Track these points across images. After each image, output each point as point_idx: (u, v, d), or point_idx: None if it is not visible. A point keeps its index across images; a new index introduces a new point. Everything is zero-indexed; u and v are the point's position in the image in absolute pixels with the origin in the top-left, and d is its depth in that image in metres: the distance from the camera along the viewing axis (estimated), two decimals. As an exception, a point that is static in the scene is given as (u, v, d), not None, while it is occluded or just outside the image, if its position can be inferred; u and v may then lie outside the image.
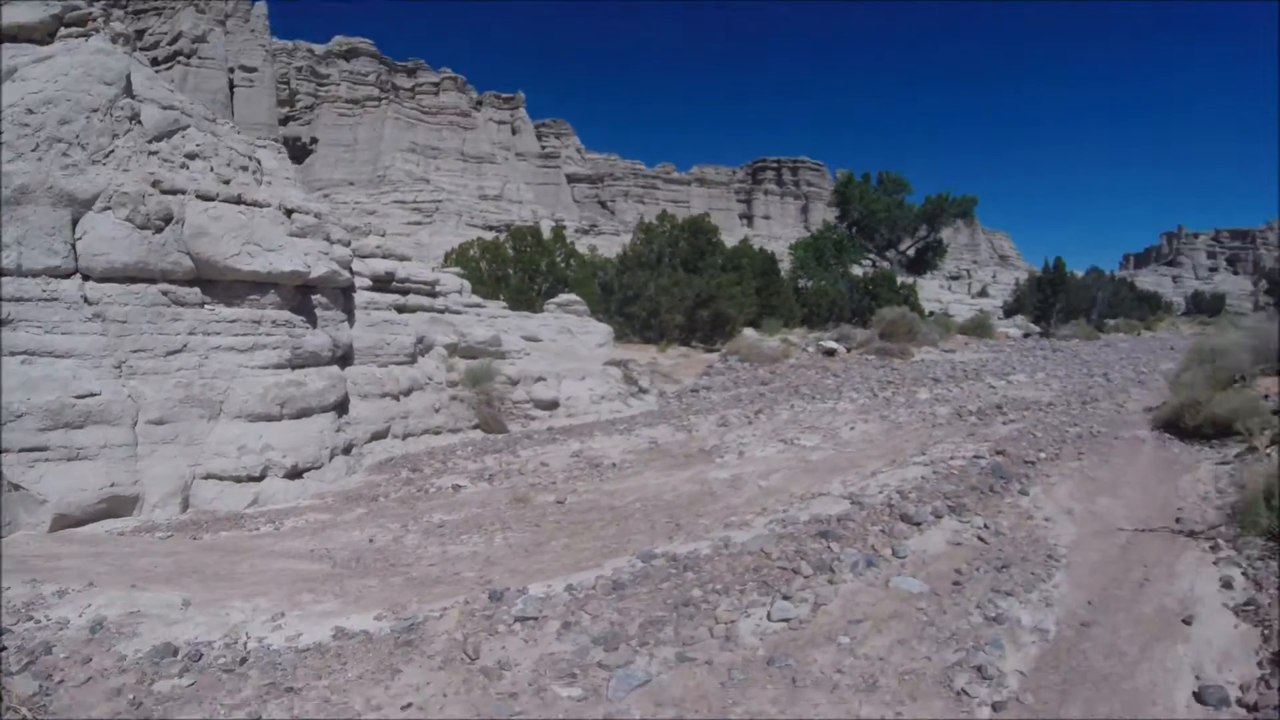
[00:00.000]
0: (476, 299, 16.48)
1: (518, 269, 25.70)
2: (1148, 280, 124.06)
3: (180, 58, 66.85)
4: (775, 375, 17.08)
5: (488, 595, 4.99)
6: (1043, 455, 8.23)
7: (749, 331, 26.01)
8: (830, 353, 21.59)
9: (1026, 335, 36.59)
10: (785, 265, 38.13)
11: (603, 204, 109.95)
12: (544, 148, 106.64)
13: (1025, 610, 4.67)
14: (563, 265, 26.39)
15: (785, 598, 4.80)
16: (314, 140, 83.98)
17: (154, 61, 56.52)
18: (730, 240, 38.14)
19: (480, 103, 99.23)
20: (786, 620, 4.53)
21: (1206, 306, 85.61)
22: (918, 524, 6.08)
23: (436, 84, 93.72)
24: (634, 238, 28.12)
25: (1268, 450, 8.09)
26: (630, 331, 23.25)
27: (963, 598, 4.80)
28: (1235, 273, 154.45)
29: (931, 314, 45.67)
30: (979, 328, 33.42)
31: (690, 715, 3.66)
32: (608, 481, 8.64)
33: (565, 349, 16.39)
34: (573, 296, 22.13)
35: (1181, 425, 9.73)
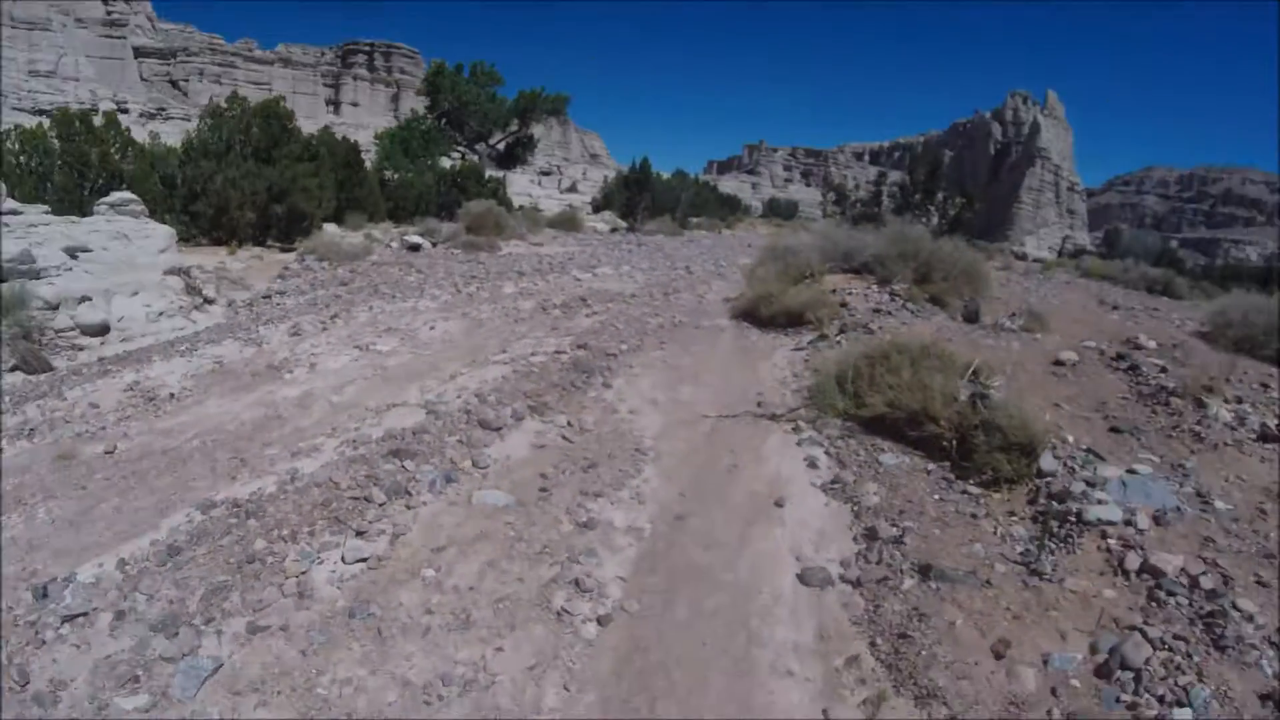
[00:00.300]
0: (12, 204, 13.46)
1: (64, 163, 21.50)
2: (729, 185, 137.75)
3: None
4: (356, 274, 15.98)
5: (31, 593, 3.97)
6: (625, 347, 8.34)
7: (330, 228, 24.45)
8: (415, 248, 20.82)
9: (614, 230, 38.44)
10: (372, 156, 36.56)
11: (174, 84, 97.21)
12: (109, 14, 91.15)
13: (618, 510, 4.52)
14: (118, 157, 22.53)
15: (359, 534, 4.32)
16: None
17: None
18: (315, 127, 35.40)
19: None
20: (363, 560, 4.09)
21: (781, 211, 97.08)
22: (498, 429, 5.75)
23: None
24: (200, 123, 25.08)
25: (837, 338, 8.91)
26: (199, 232, 20.74)
27: (551, 506, 4.55)
28: (808, 185, 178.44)
29: (521, 208, 46.48)
30: (567, 222, 34.37)
31: (275, 699, 3.21)
32: (164, 417, 7.25)
33: (122, 259, 14.04)
34: (128, 195, 18.93)
35: (758, 315, 10.48)
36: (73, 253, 12.85)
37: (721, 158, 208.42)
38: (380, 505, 4.60)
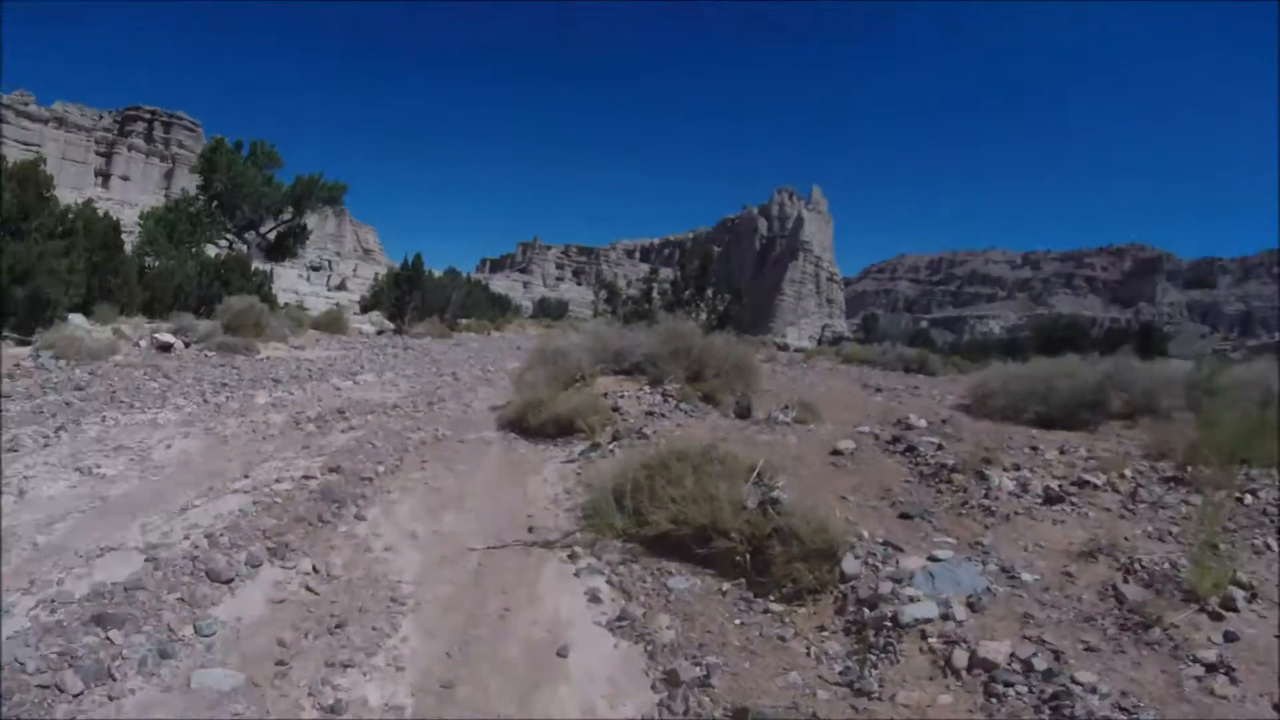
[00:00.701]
0: None
1: None
2: (501, 284, 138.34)
3: None
4: (95, 378, 14.14)
5: None
6: (382, 468, 7.56)
7: (77, 319, 22.00)
8: (166, 348, 18.93)
9: (381, 332, 37.11)
10: (135, 238, 33.13)
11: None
12: None
13: (371, 684, 3.80)
14: None
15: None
16: None
17: None
18: (80, 199, 31.64)
19: None
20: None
21: (552, 311, 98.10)
22: (229, 581, 4.83)
23: None
24: None
25: (610, 446, 8.52)
26: None
27: (290, 685, 3.76)
28: (579, 283, 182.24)
29: (286, 305, 43.99)
30: (333, 323, 32.86)
31: None
32: None
33: None
34: None
35: (526, 425, 9.99)
36: None
37: (495, 255, 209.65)
38: (75, 697, 3.62)
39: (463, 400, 13.51)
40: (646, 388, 11.88)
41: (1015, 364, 16.00)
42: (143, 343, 19.12)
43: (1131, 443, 9.41)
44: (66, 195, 29.72)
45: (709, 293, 27.92)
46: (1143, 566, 4.88)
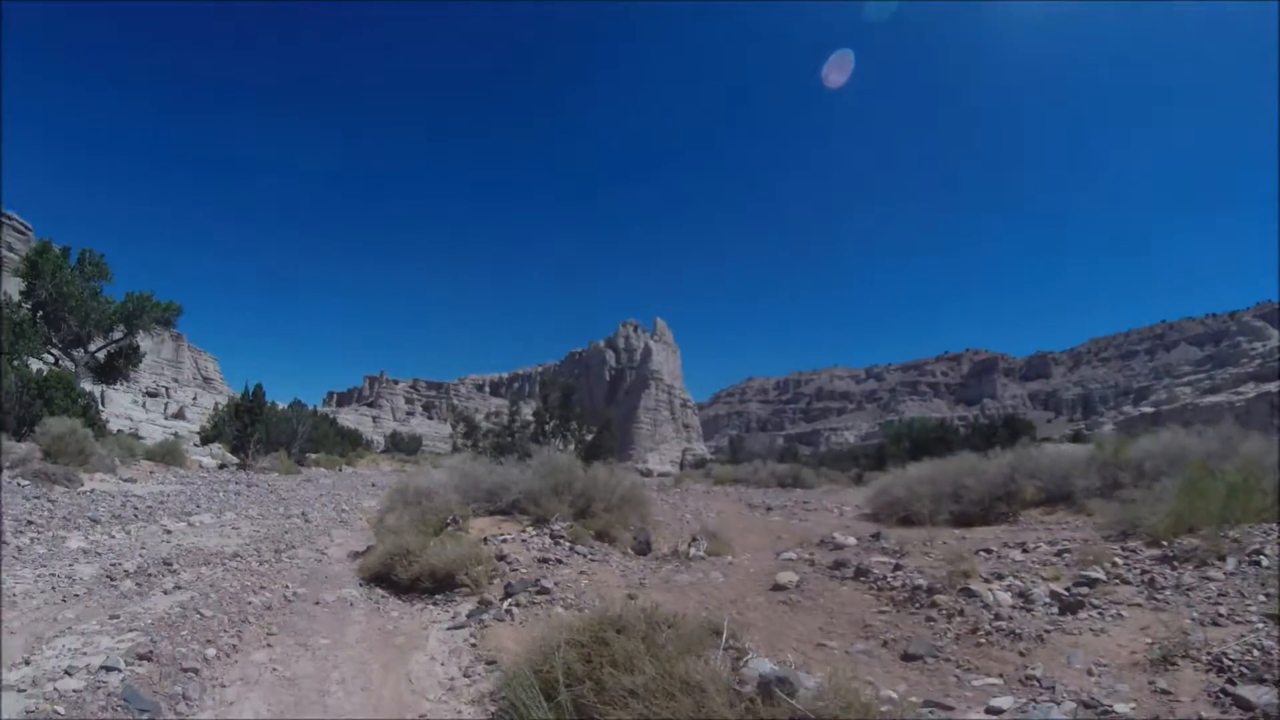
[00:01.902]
0: None
1: None
2: (350, 418, 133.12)
3: None
4: None
5: None
6: (213, 651, 5.68)
7: None
8: (-36, 473, 16.14)
9: (223, 466, 33.94)
10: None
11: None
12: None
13: None
14: None
15: None
16: None
17: None
18: None
19: None
20: None
21: (404, 446, 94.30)
22: None
23: None
24: None
25: (505, 606, 6.97)
26: None
27: None
28: (430, 417, 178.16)
29: (119, 432, 40.05)
30: (169, 454, 29.87)
31: None
32: None
33: None
34: None
35: (396, 579, 8.29)
36: None
37: (341, 389, 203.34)
38: None
39: (316, 545, 11.63)
40: (530, 529, 10.37)
41: (911, 468, 15.42)
42: (-62, 468, 16.29)
43: (1070, 528, 8.77)
44: None
45: (573, 424, 26.64)
46: (1231, 660, 4.10)
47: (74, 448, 19.83)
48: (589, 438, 25.47)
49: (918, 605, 6.24)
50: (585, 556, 8.84)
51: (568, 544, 9.43)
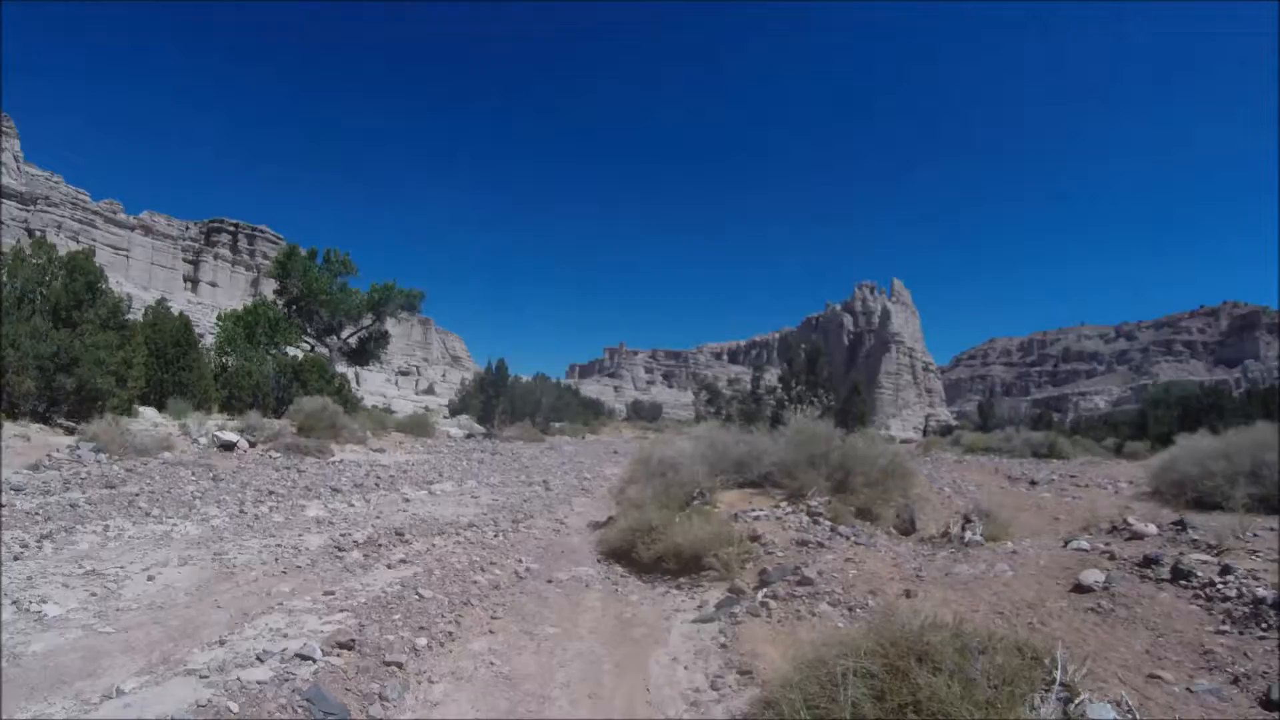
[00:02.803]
0: None
1: None
2: (592, 389, 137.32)
3: None
4: (133, 475, 12.30)
5: None
6: (425, 640, 4.98)
7: (148, 412, 20.88)
8: (228, 446, 17.15)
9: (469, 435, 35.20)
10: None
11: (30, 232, 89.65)
12: None
13: None
14: None
15: None
16: None
17: None
18: (172, 305, 31.51)
19: None
20: None
21: (645, 413, 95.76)
22: None
23: None
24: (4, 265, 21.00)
25: (760, 595, 5.92)
26: None
27: None
28: (670, 386, 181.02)
29: (374, 408, 42.80)
30: (418, 425, 31.12)
31: None
32: None
33: None
34: None
35: (637, 557, 7.45)
36: None
37: (583, 361, 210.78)
38: None
39: (555, 515, 11.14)
40: (784, 504, 9.25)
41: (1192, 440, 13.10)
42: (202, 440, 17.34)
43: None
44: (157, 298, 29.42)
45: (819, 389, 25.09)
46: None
47: (325, 422, 20.79)
48: (837, 404, 23.91)
49: (1265, 625, 4.61)
50: (849, 539, 7.62)
51: (828, 523, 8.25)
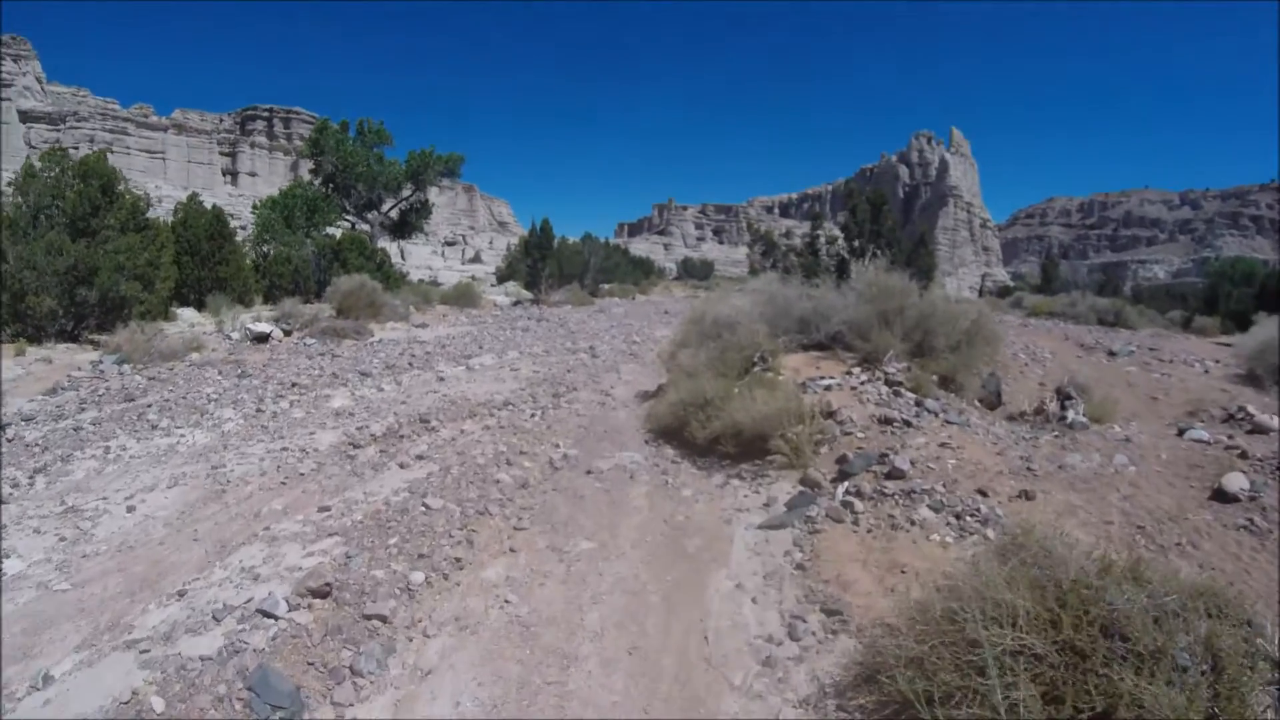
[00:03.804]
0: None
1: None
2: (641, 247, 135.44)
3: None
4: (156, 383, 11.64)
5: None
6: (421, 575, 4.00)
7: (188, 313, 20.63)
8: (262, 338, 16.46)
9: (517, 303, 34.35)
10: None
11: (64, 152, 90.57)
12: None
13: None
14: None
15: None
16: None
17: None
18: (212, 198, 31.22)
19: None
20: None
21: (696, 271, 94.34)
22: None
23: None
24: (12, 186, 20.35)
25: (842, 490, 4.91)
26: (6, 321, 16.08)
27: None
28: (720, 242, 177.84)
29: (421, 282, 42.16)
30: (462, 296, 30.27)
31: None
32: None
33: None
34: None
35: (690, 437, 6.43)
36: None
37: (631, 219, 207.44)
38: None
39: (600, 386, 10.18)
40: (856, 370, 8.14)
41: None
42: (235, 335, 16.64)
43: None
44: (202, 196, 28.85)
45: (882, 240, 23.40)
46: None
47: (363, 301, 20.00)
48: (902, 258, 22.24)
49: None
50: (939, 416, 6.48)
51: (910, 395, 7.12)
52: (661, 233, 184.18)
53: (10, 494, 6.33)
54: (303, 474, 6.10)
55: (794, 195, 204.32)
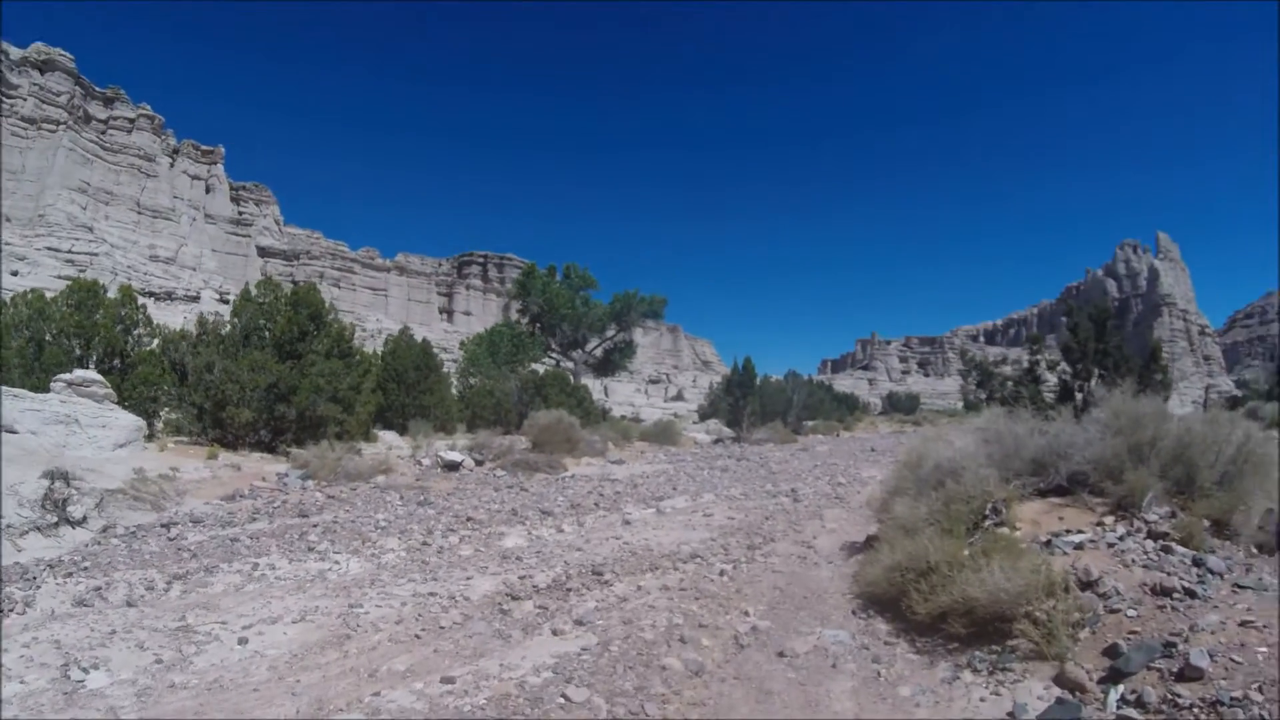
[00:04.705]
0: None
1: (59, 334, 18.84)
2: (845, 383, 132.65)
3: None
4: (334, 501, 11.61)
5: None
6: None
7: (387, 435, 21.61)
8: (453, 466, 16.35)
9: (718, 440, 33.46)
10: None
11: (296, 284, 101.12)
12: (240, 213, 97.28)
13: None
14: (123, 334, 19.56)
15: None
16: (-21, 159, 66.44)
17: None
18: (429, 334, 33.81)
19: (177, 150, 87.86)
20: None
21: (901, 406, 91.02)
22: None
23: (132, 120, 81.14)
24: (232, 309, 22.39)
25: (1109, 693, 3.57)
26: (207, 427, 17.26)
27: None
28: (925, 374, 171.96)
29: (623, 418, 42.40)
30: (662, 433, 29.81)
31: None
32: None
33: (52, 446, 12.13)
34: (91, 374, 16.22)
35: (909, 611, 5.16)
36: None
37: (834, 356, 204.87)
38: None
39: (801, 535, 9.03)
40: (1108, 519, 6.63)
41: None
42: (425, 461, 16.56)
43: None
44: (418, 331, 30.51)
45: (1110, 359, 20.84)
46: None
47: (560, 435, 19.81)
48: (1134, 378, 19.71)
49: None
50: (1225, 578, 4.93)
51: (1182, 550, 5.57)
52: (865, 367, 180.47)
53: (141, 597, 6.07)
54: (443, 627, 5.28)
55: (998, 322, 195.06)
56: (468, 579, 6.75)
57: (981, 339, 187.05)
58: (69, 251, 65.72)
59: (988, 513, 6.71)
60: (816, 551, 8.15)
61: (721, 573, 7.09)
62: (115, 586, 6.64)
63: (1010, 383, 21.39)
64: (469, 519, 10.05)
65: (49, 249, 64.64)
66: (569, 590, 6.36)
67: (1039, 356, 21.17)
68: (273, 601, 5.99)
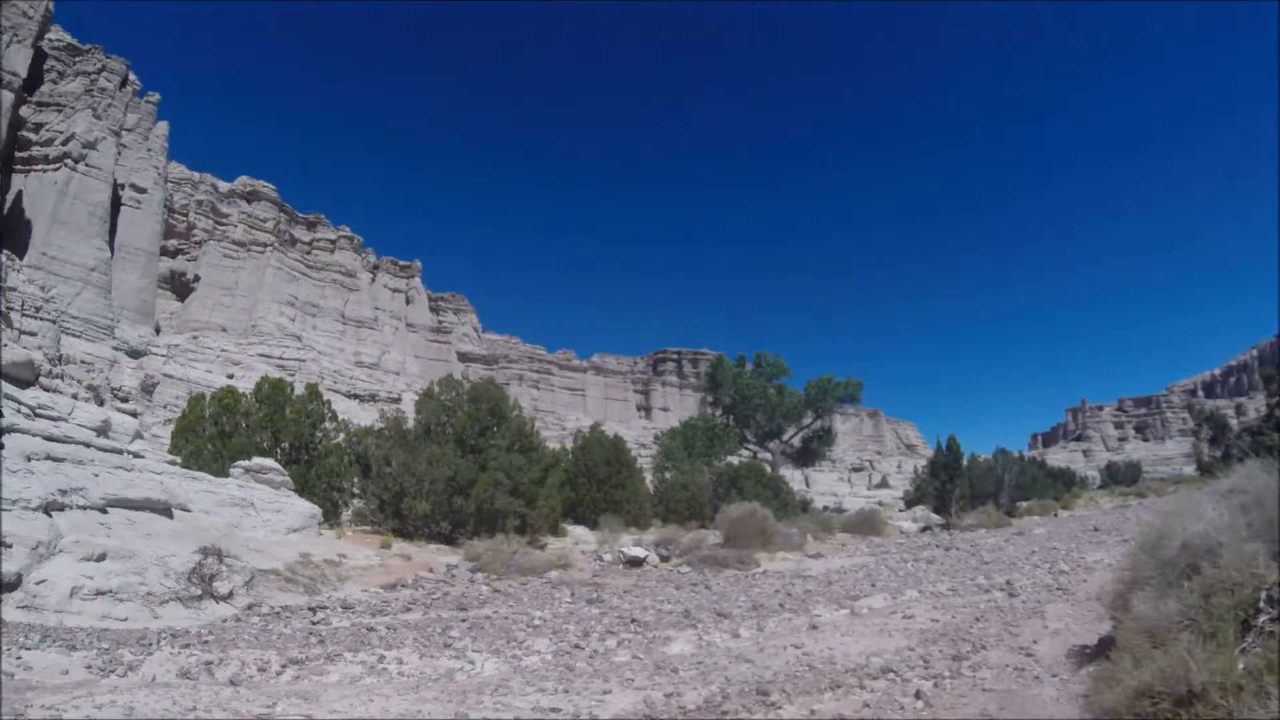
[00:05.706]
0: (139, 446, 13.39)
1: (249, 427, 20.14)
2: (1058, 458, 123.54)
3: (68, 160, 58.42)
4: (499, 595, 11.18)
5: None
6: None
7: (577, 530, 21.68)
8: (636, 562, 15.57)
9: (926, 528, 31.05)
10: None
11: (456, 379, 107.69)
12: (439, 322, 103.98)
13: None
14: (310, 427, 20.67)
15: None
16: (197, 278, 75.62)
17: (44, 160, 54.39)
18: (626, 431, 34.52)
19: (377, 267, 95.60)
20: None
21: (1121, 477, 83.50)
22: None
23: (333, 241, 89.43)
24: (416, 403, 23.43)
25: None
26: (388, 517, 17.66)
27: None
28: (1145, 439, 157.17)
29: (825, 509, 40.57)
30: (864, 523, 28.08)
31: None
32: None
33: (224, 526, 12.76)
34: (269, 462, 17.21)
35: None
36: (126, 510, 11.21)
37: (1043, 429, 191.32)
38: None
39: (1019, 640, 7.51)
40: None
41: None
42: (607, 556, 15.81)
43: None
44: (616, 429, 30.64)
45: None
46: None
47: (752, 529, 18.95)
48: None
49: None
50: None
51: None
52: (1078, 438, 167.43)
53: (249, 678, 6.02)
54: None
55: (1215, 371, 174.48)
56: (605, 692, 5.76)
57: (1200, 392, 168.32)
58: (279, 358, 71.57)
59: (1261, 604, 5.04)
60: (1038, 661, 6.63)
61: (918, 693, 5.72)
62: (227, 664, 6.44)
63: (1250, 434, 18.27)
64: (634, 620, 9.07)
65: (260, 355, 70.62)
66: (723, 713, 5.23)
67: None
68: (375, 699, 5.31)
